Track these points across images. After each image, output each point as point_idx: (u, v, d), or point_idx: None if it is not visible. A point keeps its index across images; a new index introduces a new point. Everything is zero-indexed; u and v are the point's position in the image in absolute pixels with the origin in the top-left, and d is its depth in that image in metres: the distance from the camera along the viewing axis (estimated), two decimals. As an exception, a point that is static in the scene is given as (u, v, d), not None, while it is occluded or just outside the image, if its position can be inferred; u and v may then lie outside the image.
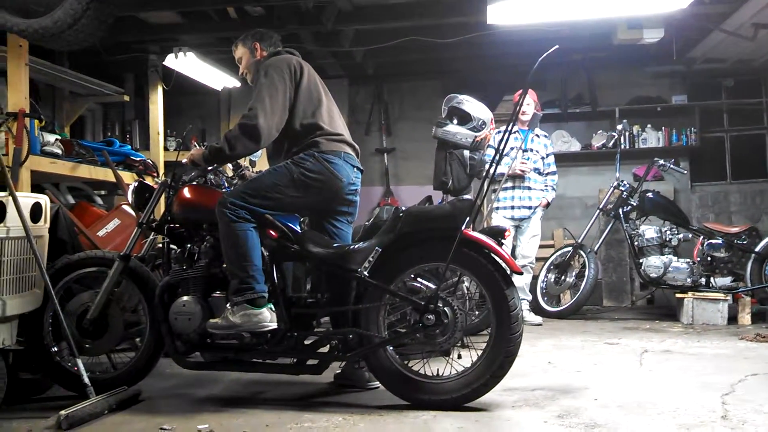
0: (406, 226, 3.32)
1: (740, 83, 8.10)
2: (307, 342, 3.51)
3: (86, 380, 3.36)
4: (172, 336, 3.48)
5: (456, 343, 3.35)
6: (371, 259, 3.33)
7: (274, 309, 3.37)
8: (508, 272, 3.29)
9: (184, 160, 3.64)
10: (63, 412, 3.03)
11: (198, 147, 3.72)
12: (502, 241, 3.38)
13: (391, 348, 3.36)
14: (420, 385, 3.30)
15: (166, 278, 3.56)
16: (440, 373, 3.36)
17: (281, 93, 3.47)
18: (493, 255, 3.28)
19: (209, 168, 3.71)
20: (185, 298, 3.43)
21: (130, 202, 3.91)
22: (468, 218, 3.20)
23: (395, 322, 3.52)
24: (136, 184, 3.93)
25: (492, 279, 3.26)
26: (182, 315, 3.40)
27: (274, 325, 3.34)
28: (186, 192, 3.57)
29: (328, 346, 3.50)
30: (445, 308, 3.28)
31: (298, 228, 3.59)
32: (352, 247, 3.40)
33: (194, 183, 3.68)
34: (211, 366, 3.57)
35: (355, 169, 3.66)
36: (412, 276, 3.62)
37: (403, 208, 3.44)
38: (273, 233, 3.44)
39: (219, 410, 3.36)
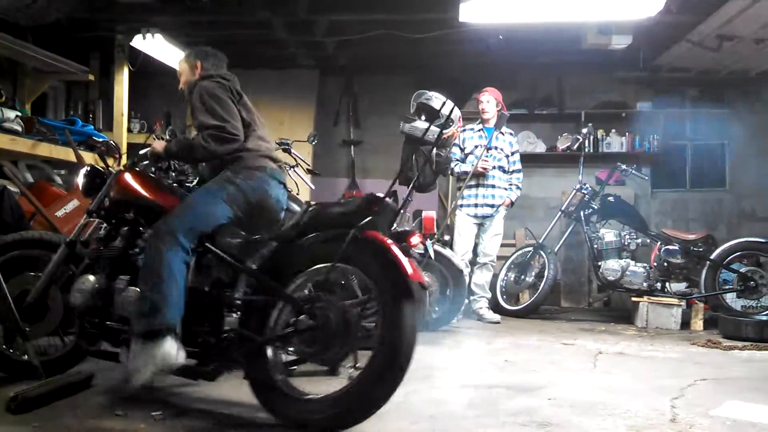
0: (309, 220, 3.00)
1: (703, 93, 8.25)
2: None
3: (36, 363, 3.28)
4: (82, 318, 3.28)
5: (343, 359, 2.87)
6: (265, 252, 3.07)
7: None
8: (410, 283, 2.72)
9: (141, 152, 3.51)
10: (12, 394, 2.97)
11: (157, 140, 3.57)
12: (409, 246, 3.17)
13: (277, 358, 2.96)
14: (290, 401, 2.87)
15: (86, 260, 3.40)
16: (309, 391, 2.90)
17: (229, 102, 3.29)
18: (394, 261, 2.75)
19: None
20: (89, 276, 3.25)
21: (80, 186, 3.66)
22: (370, 218, 2.85)
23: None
24: (88, 168, 3.65)
25: (386, 287, 2.75)
26: (80, 292, 3.21)
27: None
28: (125, 176, 3.36)
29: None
30: (329, 314, 2.80)
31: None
32: (251, 238, 3.15)
33: (137, 169, 3.49)
34: (105, 355, 3.34)
35: (281, 184, 3.43)
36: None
37: (313, 203, 3.13)
38: None
39: (172, 395, 3.33)
